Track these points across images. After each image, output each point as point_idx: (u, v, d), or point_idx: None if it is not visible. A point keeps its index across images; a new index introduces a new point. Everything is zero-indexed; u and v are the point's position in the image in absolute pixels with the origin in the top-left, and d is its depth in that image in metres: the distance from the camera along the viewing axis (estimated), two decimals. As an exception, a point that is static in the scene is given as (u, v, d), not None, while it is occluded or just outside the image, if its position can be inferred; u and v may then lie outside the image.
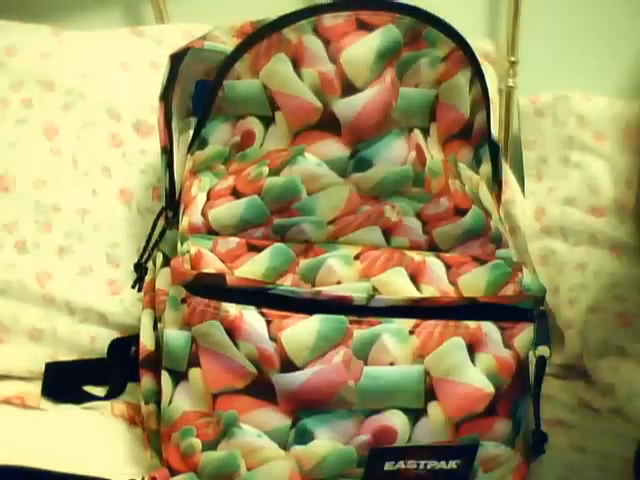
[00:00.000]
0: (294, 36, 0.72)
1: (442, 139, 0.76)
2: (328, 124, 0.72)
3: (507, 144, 1.11)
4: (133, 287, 0.83)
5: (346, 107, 0.72)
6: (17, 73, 0.98)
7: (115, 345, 0.90)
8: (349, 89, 0.72)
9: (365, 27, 0.72)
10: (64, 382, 0.89)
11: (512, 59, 1.10)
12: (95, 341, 0.92)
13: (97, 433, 0.83)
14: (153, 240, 0.82)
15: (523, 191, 1.07)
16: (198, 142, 0.76)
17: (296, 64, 0.72)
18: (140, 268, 0.83)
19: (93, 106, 0.98)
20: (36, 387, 0.88)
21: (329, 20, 0.72)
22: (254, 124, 0.74)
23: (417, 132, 0.74)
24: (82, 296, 0.93)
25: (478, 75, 0.76)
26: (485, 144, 0.79)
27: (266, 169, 0.73)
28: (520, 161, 1.08)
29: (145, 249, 0.83)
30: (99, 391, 0.88)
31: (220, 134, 0.75)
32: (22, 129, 0.97)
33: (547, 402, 0.81)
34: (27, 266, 0.93)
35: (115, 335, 0.92)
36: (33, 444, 0.79)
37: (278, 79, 0.73)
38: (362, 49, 0.72)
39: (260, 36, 0.73)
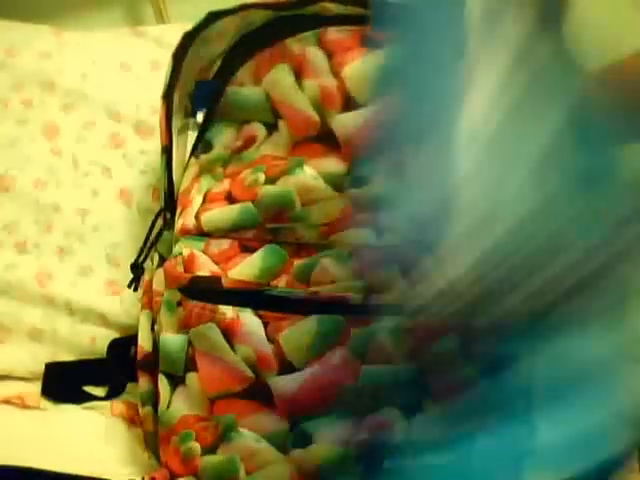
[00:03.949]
0: (297, 47, 0.71)
1: None
2: (328, 138, 0.72)
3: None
4: (129, 286, 0.83)
5: (344, 122, 0.71)
6: (17, 73, 0.98)
7: (115, 345, 0.90)
8: (350, 104, 0.71)
9: (370, 43, 0.71)
10: (64, 382, 0.89)
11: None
12: (95, 341, 0.92)
13: (97, 433, 0.82)
14: (151, 240, 0.82)
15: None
16: (203, 145, 0.75)
17: (298, 75, 0.72)
18: (137, 268, 0.83)
19: (93, 106, 0.98)
20: (36, 387, 0.88)
21: (334, 33, 0.71)
22: (258, 128, 0.74)
23: None
24: (82, 296, 0.92)
25: None
26: None
27: (262, 176, 0.72)
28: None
29: (142, 249, 0.83)
30: (99, 391, 0.88)
31: (224, 138, 0.75)
32: (22, 129, 0.97)
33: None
34: (27, 266, 0.93)
35: (115, 335, 0.91)
36: (33, 444, 0.79)
37: (279, 89, 0.72)
38: (365, 65, 0.71)
39: (261, 41, 0.72)
